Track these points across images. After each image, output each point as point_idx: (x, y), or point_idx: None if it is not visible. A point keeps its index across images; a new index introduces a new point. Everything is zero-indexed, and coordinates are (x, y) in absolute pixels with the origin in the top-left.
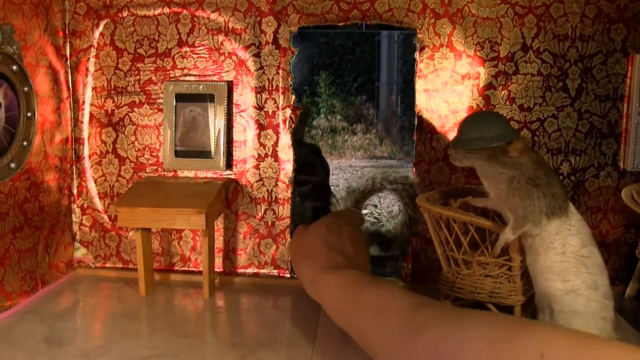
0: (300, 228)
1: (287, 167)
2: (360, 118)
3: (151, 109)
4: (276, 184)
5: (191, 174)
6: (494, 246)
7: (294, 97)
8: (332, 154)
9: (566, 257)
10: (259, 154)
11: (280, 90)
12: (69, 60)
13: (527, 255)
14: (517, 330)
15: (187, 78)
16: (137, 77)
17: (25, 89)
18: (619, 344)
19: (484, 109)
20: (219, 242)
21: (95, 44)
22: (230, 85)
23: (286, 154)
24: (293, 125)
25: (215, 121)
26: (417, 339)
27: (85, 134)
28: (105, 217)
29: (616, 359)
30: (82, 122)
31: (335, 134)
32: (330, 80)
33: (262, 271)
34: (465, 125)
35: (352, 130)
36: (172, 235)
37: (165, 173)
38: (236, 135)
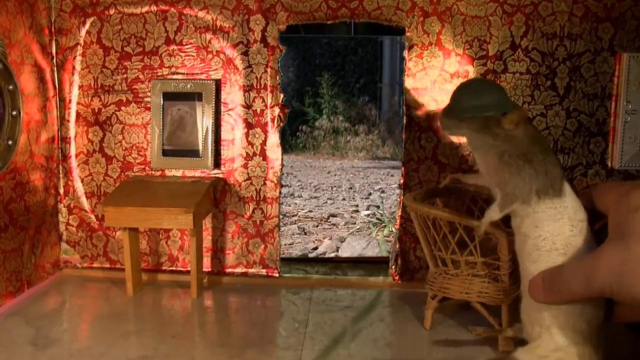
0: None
1: (276, 165)
2: (362, 119)
3: (138, 107)
4: (264, 183)
5: (179, 173)
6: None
7: (282, 95)
8: (334, 155)
9: (554, 243)
10: (247, 153)
11: (269, 89)
12: (55, 59)
13: (515, 236)
14: None
15: (174, 76)
16: (124, 76)
17: (10, 87)
18: None
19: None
20: (207, 242)
21: (81, 42)
22: (218, 84)
23: (274, 152)
24: (281, 123)
25: (203, 120)
26: None
27: (71, 133)
28: (92, 216)
29: None
30: (68, 121)
31: (337, 135)
32: (332, 81)
33: (250, 271)
34: (459, 92)
35: (354, 131)
36: (160, 235)
37: (153, 172)
38: (224, 134)
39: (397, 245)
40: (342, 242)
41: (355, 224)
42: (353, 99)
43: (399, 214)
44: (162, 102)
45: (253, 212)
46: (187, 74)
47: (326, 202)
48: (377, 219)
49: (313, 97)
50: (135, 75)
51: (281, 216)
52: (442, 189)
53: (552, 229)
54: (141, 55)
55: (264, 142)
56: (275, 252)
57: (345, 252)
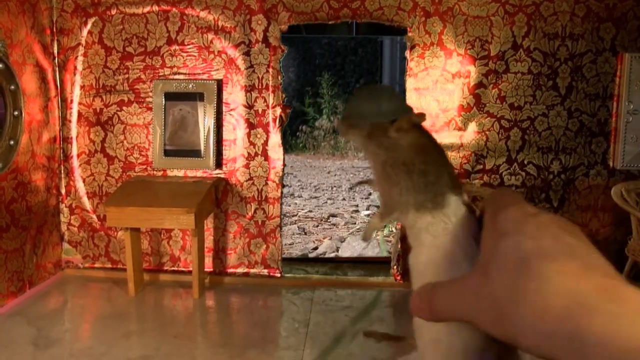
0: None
1: (277, 165)
2: None
3: (140, 107)
4: (266, 183)
5: (180, 173)
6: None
7: (284, 95)
8: (334, 155)
9: (433, 257)
10: (248, 153)
11: (270, 89)
12: (56, 59)
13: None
14: None
15: (176, 77)
16: (126, 76)
17: (12, 87)
18: None
19: (474, 107)
20: (208, 242)
21: (83, 42)
22: (219, 84)
23: (276, 152)
24: (283, 123)
25: (205, 120)
26: None
27: (73, 133)
28: (94, 217)
29: None
30: (70, 121)
31: (337, 135)
32: (332, 81)
33: (252, 271)
34: (355, 98)
35: None
36: (162, 235)
37: (155, 172)
38: (226, 134)
39: (399, 245)
40: (342, 242)
41: (355, 224)
42: None
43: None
44: (163, 102)
45: (255, 212)
46: (188, 74)
47: (326, 202)
48: None
49: (313, 97)
50: (137, 76)
51: (282, 216)
52: None
53: (431, 242)
54: (143, 55)
55: (266, 142)
56: (277, 252)
57: (345, 252)
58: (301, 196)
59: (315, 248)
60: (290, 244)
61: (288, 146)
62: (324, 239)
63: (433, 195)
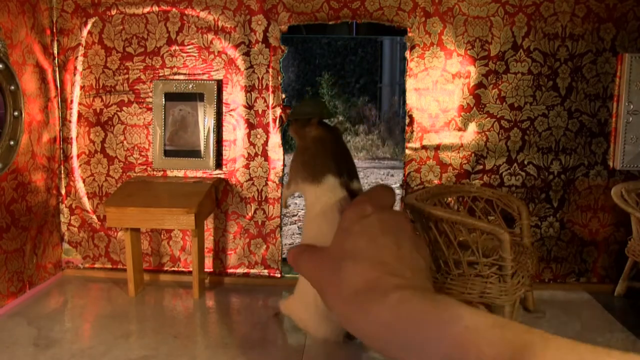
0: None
1: (278, 166)
2: (362, 119)
3: (140, 108)
4: (266, 184)
5: (180, 173)
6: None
7: (284, 95)
8: None
9: (310, 216)
10: (248, 153)
11: (270, 89)
12: (56, 59)
13: None
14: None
15: (176, 77)
16: (126, 76)
17: (12, 87)
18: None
19: (474, 108)
20: (208, 242)
21: (83, 42)
22: (219, 84)
23: (276, 153)
24: (283, 124)
25: (205, 120)
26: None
27: (73, 134)
28: (94, 217)
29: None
30: (70, 122)
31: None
32: (332, 81)
33: (252, 271)
34: (298, 104)
35: (354, 131)
36: (162, 236)
37: (155, 173)
38: (226, 135)
39: None
40: None
41: None
42: (353, 99)
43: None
44: (163, 102)
45: (255, 212)
46: (188, 74)
47: None
48: None
49: (313, 97)
50: (137, 76)
51: (282, 216)
52: (444, 190)
53: (309, 205)
54: (143, 55)
55: (266, 143)
56: (277, 253)
57: None
58: (301, 196)
59: None
60: (290, 244)
61: (288, 146)
62: None
63: (314, 173)
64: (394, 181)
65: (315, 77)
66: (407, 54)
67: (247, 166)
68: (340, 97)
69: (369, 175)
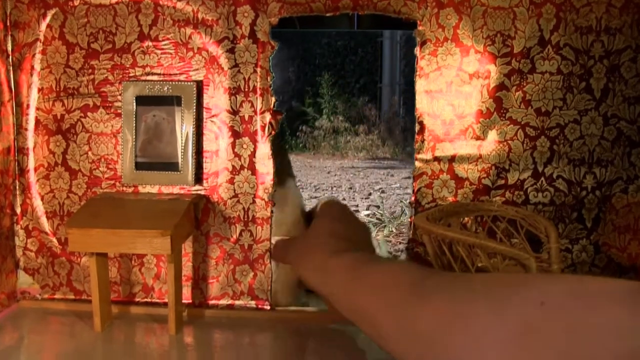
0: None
1: (267, 181)
2: (362, 119)
3: (108, 113)
4: (253, 201)
5: (154, 189)
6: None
7: (274, 99)
8: (334, 155)
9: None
10: (233, 166)
11: (259, 92)
12: (10, 57)
13: None
14: (514, 283)
15: (149, 77)
16: (91, 77)
17: None
18: (611, 279)
19: (494, 112)
20: (187, 269)
21: (41, 37)
22: (199, 86)
23: (265, 165)
24: (273, 132)
25: (183, 128)
26: (425, 304)
27: (30, 143)
28: (54, 240)
29: (611, 290)
30: (26, 130)
31: (337, 135)
32: (332, 81)
33: (237, 302)
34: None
35: (354, 131)
36: (133, 262)
37: (124, 188)
38: (207, 144)
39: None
40: None
41: None
42: (353, 99)
43: (410, 236)
44: (134, 107)
45: (240, 234)
46: (163, 74)
47: None
48: (377, 219)
49: (313, 97)
50: (104, 76)
51: (272, 239)
52: (459, 208)
53: (280, 204)
54: (111, 52)
55: (253, 154)
56: (267, 281)
57: None
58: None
59: None
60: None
61: (288, 146)
62: None
63: (281, 178)
64: (394, 181)
65: (315, 77)
66: (417, 50)
67: (231, 181)
68: (340, 97)
69: (369, 175)
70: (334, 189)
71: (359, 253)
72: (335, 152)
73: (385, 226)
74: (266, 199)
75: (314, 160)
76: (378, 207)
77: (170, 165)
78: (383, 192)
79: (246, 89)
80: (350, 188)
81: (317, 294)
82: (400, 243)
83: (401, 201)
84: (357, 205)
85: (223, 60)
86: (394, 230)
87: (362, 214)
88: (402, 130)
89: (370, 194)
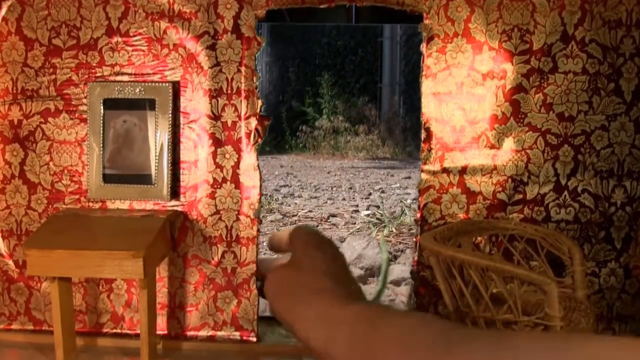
0: (279, 269)
1: (253, 195)
2: (362, 119)
3: (71, 118)
4: (237, 219)
5: (125, 205)
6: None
7: (260, 102)
8: (334, 155)
9: None
10: (214, 179)
11: (243, 94)
12: None
13: None
14: (560, 345)
15: (118, 78)
16: (53, 77)
17: None
18: None
19: (511, 118)
20: (162, 296)
21: None
22: (176, 88)
23: (250, 178)
24: (260, 140)
25: (157, 135)
26: (450, 355)
27: None
28: (11, 263)
29: None
30: None
31: (337, 135)
32: (332, 81)
33: (219, 334)
34: None
35: (354, 131)
36: (100, 287)
37: (91, 204)
38: (184, 154)
39: (413, 300)
40: (342, 242)
41: (355, 224)
42: (353, 99)
43: (415, 258)
44: (102, 111)
45: (222, 256)
46: (135, 74)
47: (326, 202)
48: (377, 219)
49: (313, 97)
50: (67, 77)
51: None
52: (471, 227)
53: None
54: (75, 49)
55: (237, 165)
56: (252, 310)
57: (345, 252)
58: (301, 196)
59: None
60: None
61: (288, 146)
62: None
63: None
64: (394, 181)
65: (315, 77)
66: (423, 47)
67: (212, 195)
68: (340, 97)
69: (369, 175)
70: (334, 189)
71: (367, 302)
72: (335, 152)
73: (385, 226)
74: (252, 216)
75: (314, 160)
76: (378, 207)
77: (143, 178)
78: (383, 192)
79: (229, 91)
80: (350, 188)
81: (311, 350)
82: (400, 243)
83: (401, 201)
84: (357, 205)
85: (203, 58)
86: (394, 230)
87: (362, 214)
88: (402, 130)
89: (370, 194)
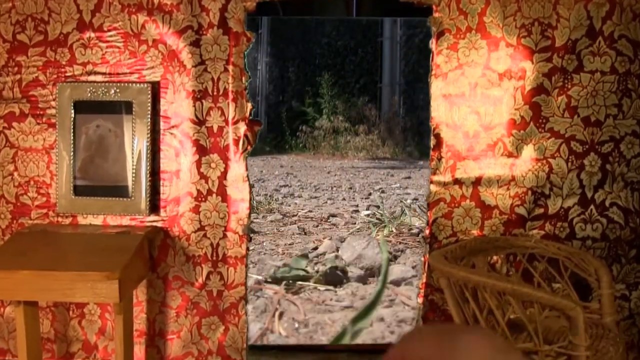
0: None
1: (241, 209)
2: (362, 119)
3: (38, 123)
4: (224, 236)
5: (98, 220)
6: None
7: (250, 105)
8: (334, 155)
9: None
10: (198, 191)
11: (231, 96)
12: None
13: None
14: None
15: (91, 78)
16: (18, 77)
17: None
18: None
19: (531, 122)
20: (139, 322)
21: None
22: (155, 89)
23: (239, 190)
24: (249, 147)
25: (134, 142)
26: None
27: None
28: None
29: None
30: None
31: (337, 135)
32: (332, 81)
33: None
34: None
35: (354, 131)
36: (71, 312)
37: (60, 219)
38: (165, 163)
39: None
40: (342, 242)
41: (355, 224)
42: (353, 99)
43: (424, 280)
44: (73, 115)
45: (207, 277)
46: (109, 74)
47: (326, 202)
48: (377, 219)
49: (313, 97)
50: (34, 76)
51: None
52: (486, 245)
53: None
54: (42, 46)
55: (224, 175)
56: (241, 337)
57: (346, 252)
58: (301, 196)
59: (316, 248)
60: (290, 244)
61: (288, 146)
62: (324, 238)
63: None
64: (394, 181)
65: (315, 77)
66: (432, 43)
67: (196, 209)
68: (340, 97)
69: (369, 175)
70: (334, 189)
71: None
72: (335, 152)
73: (385, 226)
74: (240, 233)
75: (314, 160)
76: (378, 207)
77: (119, 190)
78: (383, 192)
79: (215, 93)
80: (350, 188)
81: None
82: (400, 243)
83: (401, 201)
84: (357, 205)
85: (185, 56)
86: (394, 230)
87: (362, 214)
88: (402, 130)
89: (370, 194)
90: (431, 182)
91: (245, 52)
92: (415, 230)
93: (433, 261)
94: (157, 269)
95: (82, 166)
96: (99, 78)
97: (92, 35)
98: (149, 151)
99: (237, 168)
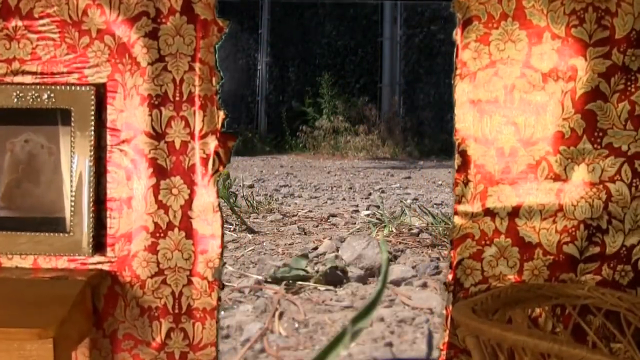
0: None
1: (211, 248)
2: (362, 119)
3: None
4: (189, 282)
5: (27, 262)
6: None
7: (222, 114)
8: (334, 155)
9: None
10: (156, 224)
11: (198, 103)
12: None
13: None
14: None
15: (17, 79)
16: None
17: None
18: None
19: (584, 136)
20: None
21: None
22: (101, 93)
23: (208, 222)
24: (221, 168)
25: (73, 161)
26: None
27: None
28: None
29: None
30: None
31: (337, 135)
32: (332, 81)
33: None
34: None
35: (354, 131)
36: None
37: None
38: (113, 189)
39: None
40: (342, 242)
41: (355, 224)
42: (353, 99)
43: (446, 339)
44: None
45: (168, 336)
46: (42, 73)
47: (326, 202)
48: (377, 219)
49: (313, 97)
50: None
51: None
52: (527, 294)
53: None
54: None
55: (189, 204)
56: None
57: (346, 252)
58: (301, 196)
59: (315, 248)
60: (290, 244)
61: (288, 146)
62: (324, 239)
63: None
64: (394, 181)
65: (315, 77)
66: (457, 34)
67: (152, 248)
68: (340, 97)
69: (369, 175)
70: (334, 189)
71: None
72: (335, 152)
73: (385, 226)
74: (210, 278)
75: (314, 160)
76: (378, 207)
77: (53, 223)
78: (383, 192)
79: (177, 98)
80: (350, 188)
81: None
82: (400, 243)
83: (401, 201)
84: (357, 205)
85: (139, 51)
86: (394, 230)
87: (362, 214)
88: (402, 130)
89: (370, 194)
90: (455, 212)
91: (217, 46)
92: (415, 230)
93: (458, 315)
94: (103, 324)
95: (5, 192)
96: (27, 79)
97: (20, 23)
98: (92, 173)
99: (205, 195)
